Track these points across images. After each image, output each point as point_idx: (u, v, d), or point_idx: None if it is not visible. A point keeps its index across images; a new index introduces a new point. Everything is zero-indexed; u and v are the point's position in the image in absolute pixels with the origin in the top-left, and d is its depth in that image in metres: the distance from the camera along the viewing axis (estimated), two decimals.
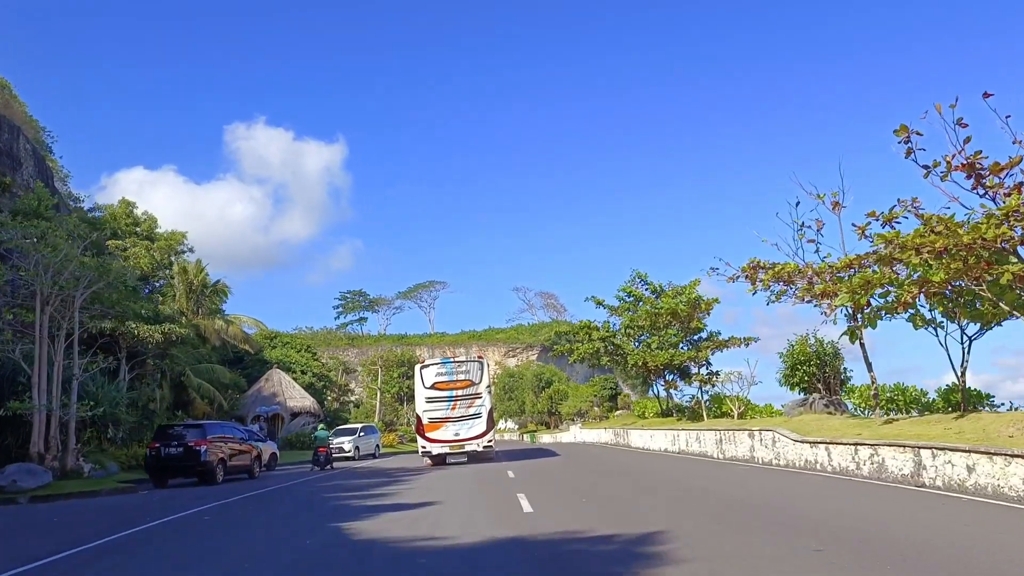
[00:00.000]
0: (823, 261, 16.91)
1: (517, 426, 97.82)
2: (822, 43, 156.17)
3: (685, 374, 36.96)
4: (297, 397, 53.47)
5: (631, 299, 35.82)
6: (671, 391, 33.44)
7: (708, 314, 30.53)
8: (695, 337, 35.00)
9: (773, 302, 17.92)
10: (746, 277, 17.91)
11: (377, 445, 39.04)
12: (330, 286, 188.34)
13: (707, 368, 30.59)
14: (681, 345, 33.82)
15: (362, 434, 37.18)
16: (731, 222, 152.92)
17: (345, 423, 54.42)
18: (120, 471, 24.29)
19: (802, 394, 20.51)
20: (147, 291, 44.76)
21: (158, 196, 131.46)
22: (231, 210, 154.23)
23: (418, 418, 25.24)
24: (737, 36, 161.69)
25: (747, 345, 29.65)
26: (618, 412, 45.57)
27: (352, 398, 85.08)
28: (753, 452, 18.20)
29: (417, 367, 26.13)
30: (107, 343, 26.68)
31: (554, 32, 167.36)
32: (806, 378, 19.79)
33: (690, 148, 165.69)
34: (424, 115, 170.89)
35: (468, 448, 24.65)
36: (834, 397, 19.20)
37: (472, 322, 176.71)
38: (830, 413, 18.39)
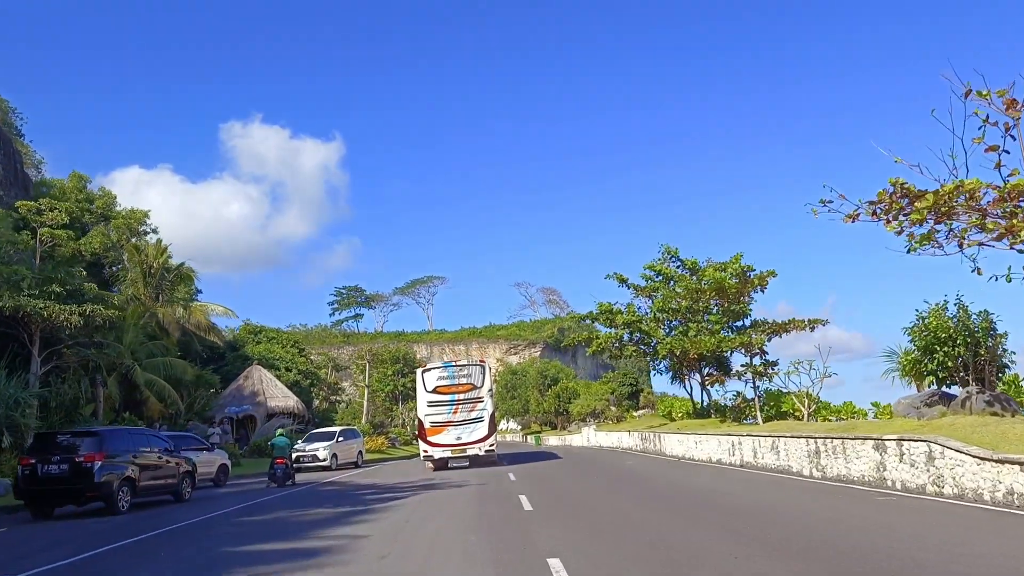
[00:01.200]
0: (1006, 181, 11.02)
1: (520, 426, 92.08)
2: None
3: (723, 366, 31.26)
4: (279, 396, 48.10)
5: (660, 278, 29.97)
6: (714, 386, 27.50)
7: (763, 290, 24.64)
8: (736, 324, 29.25)
9: (915, 249, 12.02)
10: (878, 212, 12.01)
11: (360, 451, 33.22)
12: (329, 285, 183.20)
13: (761, 358, 24.74)
14: (723, 331, 28.01)
15: (341, 439, 31.36)
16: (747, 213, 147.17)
17: (332, 424, 48.91)
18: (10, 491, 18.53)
19: (931, 386, 14.69)
20: (103, 271, 39.14)
21: (154, 195, 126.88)
22: (228, 209, 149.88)
23: (419, 422, 24.90)
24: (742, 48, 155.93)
25: (812, 329, 23.78)
26: (639, 412, 39.54)
27: (344, 397, 79.29)
28: (884, 472, 12.35)
29: (419, 371, 25.89)
30: None
31: (549, 30, 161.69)
32: (948, 363, 13.93)
33: (693, 141, 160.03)
34: (421, 112, 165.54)
35: (470, 452, 24.16)
36: (994, 392, 13.38)
37: (472, 319, 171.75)
38: (995, 414, 12.56)
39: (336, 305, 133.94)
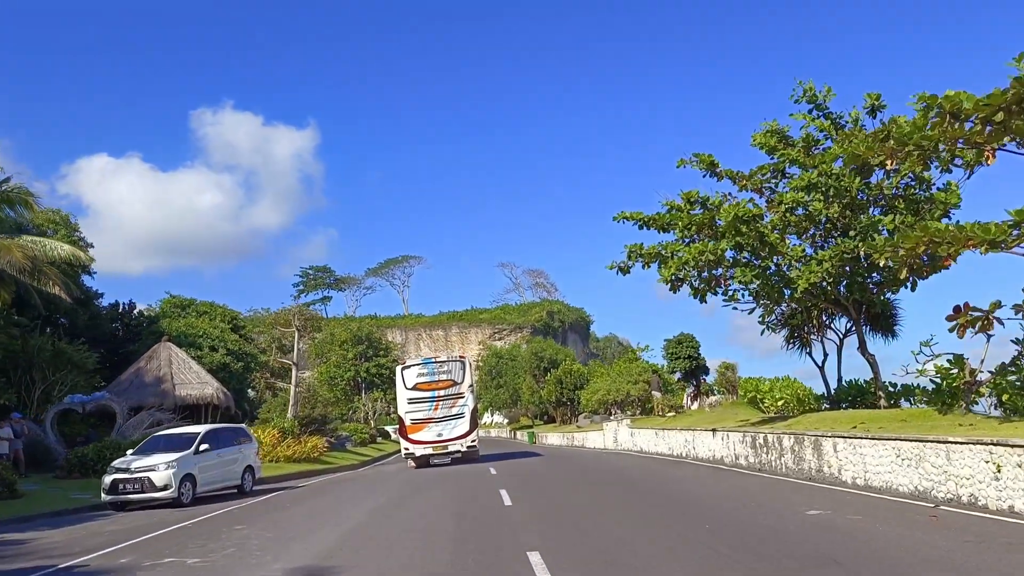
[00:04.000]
0: None
1: (507, 420, 78.63)
2: None
3: (885, 320, 18.00)
4: (193, 383, 34.92)
5: (795, 147, 16.28)
6: (925, 348, 13.55)
7: None
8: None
9: None
10: None
11: (250, 467, 19.20)
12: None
13: None
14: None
15: (205, 446, 17.29)
16: None
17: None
18: None
19: None
20: None
21: (123, 184, 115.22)
22: (200, 199, 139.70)
23: (400, 420, 25.20)
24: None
25: None
26: (712, 399, 25.49)
27: (297, 387, 65.42)
28: None
29: (398, 368, 26.24)
30: None
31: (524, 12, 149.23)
32: None
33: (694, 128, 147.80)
34: (398, 96, 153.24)
35: (452, 448, 24.38)
36: None
37: (452, 302, 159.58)
38: None
39: (302, 287, 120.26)
